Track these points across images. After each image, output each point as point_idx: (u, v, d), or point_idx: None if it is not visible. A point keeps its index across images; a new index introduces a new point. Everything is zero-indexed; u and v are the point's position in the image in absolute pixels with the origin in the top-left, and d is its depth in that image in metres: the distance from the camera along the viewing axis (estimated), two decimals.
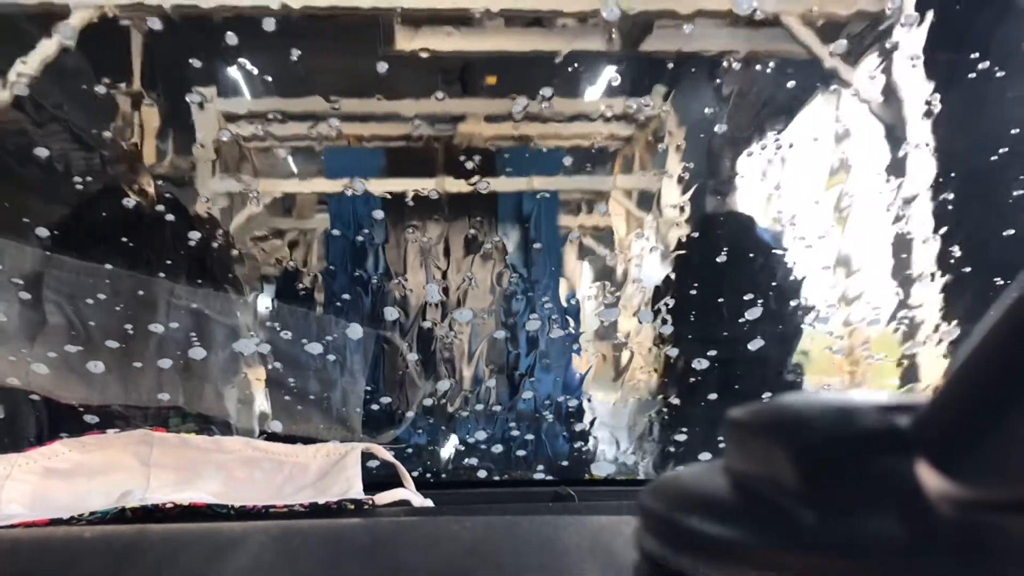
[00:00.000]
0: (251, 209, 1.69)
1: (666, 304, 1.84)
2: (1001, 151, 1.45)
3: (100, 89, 1.46)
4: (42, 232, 1.25)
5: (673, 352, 1.66)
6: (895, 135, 1.79)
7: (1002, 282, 1.34)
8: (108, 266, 1.30)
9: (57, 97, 1.56)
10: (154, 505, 0.63)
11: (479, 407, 1.51)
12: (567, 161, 1.73)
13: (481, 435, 1.44)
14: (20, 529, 0.59)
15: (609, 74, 1.96)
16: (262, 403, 1.39)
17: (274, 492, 0.76)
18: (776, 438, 0.21)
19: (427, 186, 1.81)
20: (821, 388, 1.64)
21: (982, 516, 0.18)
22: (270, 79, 1.82)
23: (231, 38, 1.45)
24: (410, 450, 1.50)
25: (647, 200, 1.93)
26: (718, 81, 1.91)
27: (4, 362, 1.10)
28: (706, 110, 1.80)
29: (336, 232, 1.80)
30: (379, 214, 1.71)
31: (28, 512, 0.67)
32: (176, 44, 1.64)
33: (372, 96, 1.87)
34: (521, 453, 1.62)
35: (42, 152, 1.39)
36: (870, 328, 1.59)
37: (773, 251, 1.92)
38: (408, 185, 1.89)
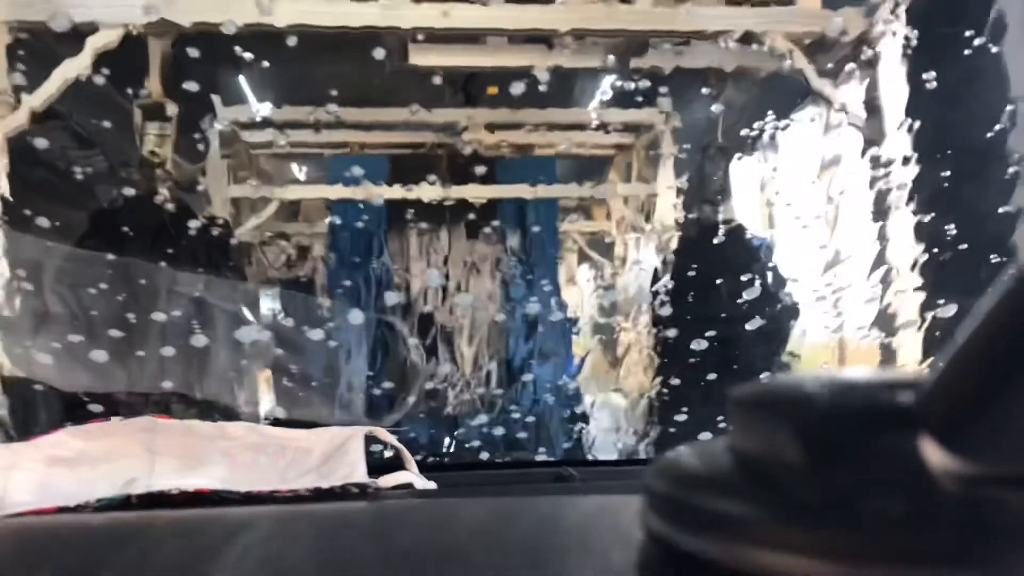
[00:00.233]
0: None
1: (665, 287, 1.85)
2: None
3: (123, 101, 1.51)
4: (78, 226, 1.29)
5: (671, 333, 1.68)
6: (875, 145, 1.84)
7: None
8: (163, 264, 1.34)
9: (82, 109, 1.57)
10: (159, 492, 0.63)
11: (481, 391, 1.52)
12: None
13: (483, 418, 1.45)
14: (27, 517, 0.59)
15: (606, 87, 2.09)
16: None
17: (278, 477, 0.76)
18: (780, 416, 0.21)
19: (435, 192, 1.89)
20: (821, 366, 1.66)
21: (985, 492, 0.18)
22: (287, 90, 1.89)
23: (247, 54, 1.52)
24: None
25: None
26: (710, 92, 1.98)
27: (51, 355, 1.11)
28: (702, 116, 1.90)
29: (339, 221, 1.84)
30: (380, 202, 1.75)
31: (35, 500, 0.68)
32: (196, 59, 1.66)
33: (380, 105, 1.97)
34: (523, 435, 1.64)
35: (79, 168, 1.45)
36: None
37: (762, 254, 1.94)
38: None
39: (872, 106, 2.01)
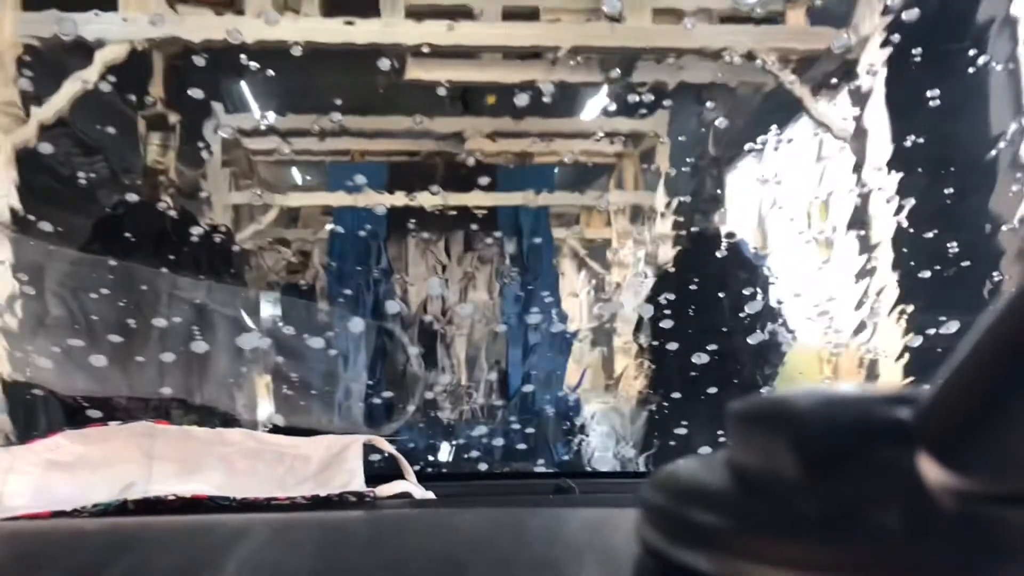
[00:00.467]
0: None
1: (665, 299, 1.85)
2: None
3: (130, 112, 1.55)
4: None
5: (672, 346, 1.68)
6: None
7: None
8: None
9: (89, 120, 1.60)
10: (156, 497, 0.63)
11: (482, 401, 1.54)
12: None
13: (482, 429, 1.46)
14: (23, 521, 0.59)
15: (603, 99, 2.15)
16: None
17: (276, 484, 0.76)
18: (777, 430, 0.21)
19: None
20: (821, 381, 1.66)
21: (984, 509, 0.18)
22: (289, 99, 1.94)
23: (252, 65, 1.56)
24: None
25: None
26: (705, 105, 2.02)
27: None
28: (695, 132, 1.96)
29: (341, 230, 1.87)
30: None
31: (31, 504, 0.67)
32: (200, 67, 1.69)
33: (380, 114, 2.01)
34: (522, 446, 1.64)
35: (82, 174, 1.48)
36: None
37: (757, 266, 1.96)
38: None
39: (860, 124, 2.03)
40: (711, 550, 0.20)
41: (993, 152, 1.76)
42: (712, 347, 1.76)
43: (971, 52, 1.74)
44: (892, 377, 1.78)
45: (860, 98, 2.04)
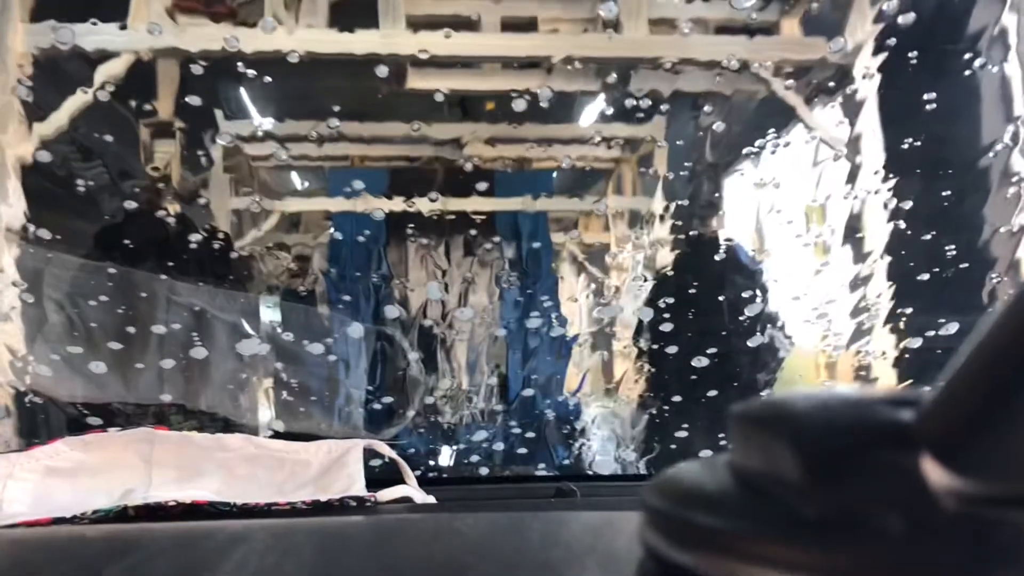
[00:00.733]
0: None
1: (664, 302, 1.86)
2: None
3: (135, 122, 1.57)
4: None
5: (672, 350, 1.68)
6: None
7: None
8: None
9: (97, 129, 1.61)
10: (156, 503, 0.63)
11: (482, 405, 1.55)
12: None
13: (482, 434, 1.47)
14: (23, 528, 0.59)
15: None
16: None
17: (276, 489, 0.76)
18: (779, 432, 0.21)
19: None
20: (823, 384, 1.66)
21: (987, 511, 0.18)
22: (288, 106, 1.95)
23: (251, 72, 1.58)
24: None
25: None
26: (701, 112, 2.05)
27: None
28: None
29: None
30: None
31: (30, 511, 0.67)
32: (200, 75, 1.70)
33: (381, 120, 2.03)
34: (522, 450, 1.65)
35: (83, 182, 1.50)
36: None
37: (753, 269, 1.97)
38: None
39: (854, 130, 2.04)
40: (713, 553, 0.20)
41: (991, 155, 1.77)
42: (712, 350, 1.76)
43: (966, 56, 1.75)
44: (890, 379, 1.78)
45: (854, 105, 2.06)
